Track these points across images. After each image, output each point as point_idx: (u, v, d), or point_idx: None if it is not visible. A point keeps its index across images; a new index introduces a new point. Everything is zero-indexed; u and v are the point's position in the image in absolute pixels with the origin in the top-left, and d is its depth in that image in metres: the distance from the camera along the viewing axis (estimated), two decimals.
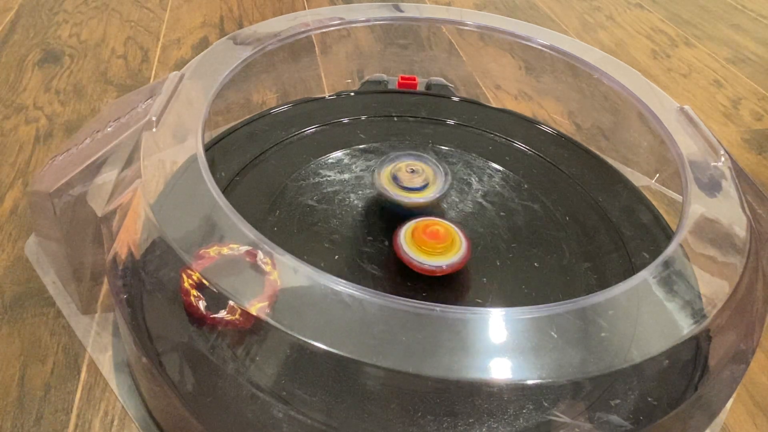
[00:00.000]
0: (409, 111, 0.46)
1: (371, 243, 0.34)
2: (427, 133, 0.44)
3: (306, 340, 0.22)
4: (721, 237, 0.28)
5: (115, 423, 0.30)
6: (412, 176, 0.35)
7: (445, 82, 0.50)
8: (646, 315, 0.24)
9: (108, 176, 0.31)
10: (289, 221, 0.35)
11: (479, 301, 0.32)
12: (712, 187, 0.31)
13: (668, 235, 0.37)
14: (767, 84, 0.65)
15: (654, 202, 0.40)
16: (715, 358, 0.27)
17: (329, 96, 0.48)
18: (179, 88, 0.34)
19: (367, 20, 0.45)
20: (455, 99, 0.48)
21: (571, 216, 0.38)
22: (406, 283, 0.31)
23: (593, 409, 0.26)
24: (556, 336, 0.23)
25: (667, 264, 0.26)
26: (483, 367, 0.22)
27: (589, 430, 0.26)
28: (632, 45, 0.71)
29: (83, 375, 0.32)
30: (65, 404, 0.30)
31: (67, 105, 0.53)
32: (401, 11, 0.46)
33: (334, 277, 0.23)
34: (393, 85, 0.50)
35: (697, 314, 0.24)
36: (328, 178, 0.39)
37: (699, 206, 0.29)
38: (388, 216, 0.36)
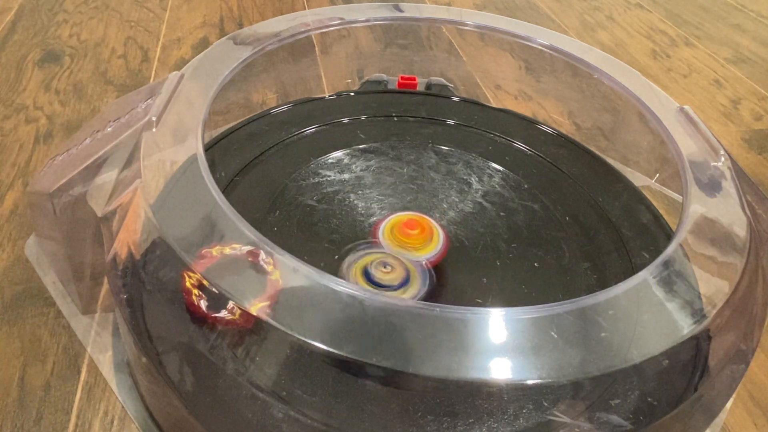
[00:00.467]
0: (409, 111, 0.46)
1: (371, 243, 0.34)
2: (427, 133, 0.44)
3: (306, 340, 0.22)
4: (721, 237, 0.28)
5: (115, 423, 0.30)
6: (386, 272, 0.30)
7: (445, 82, 0.50)
8: (646, 315, 0.24)
9: (108, 176, 0.31)
10: (289, 221, 0.35)
11: (479, 301, 0.32)
12: (712, 187, 0.31)
13: (668, 235, 0.37)
14: (767, 84, 0.65)
15: (654, 202, 0.40)
16: (715, 358, 0.27)
17: (329, 96, 0.48)
18: (179, 88, 0.34)
19: (367, 20, 0.45)
20: (455, 99, 0.48)
21: (571, 216, 0.38)
22: None
23: (593, 409, 0.26)
24: (556, 336, 0.23)
25: (667, 264, 0.26)
26: (483, 367, 0.22)
27: (589, 430, 0.26)
28: (632, 45, 0.71)
29: (83, 375, 0.32)
30: (65, 404, 0.30)
31: (67, 105, 0.53)
32: (401, 11, 0.46)
33: (334, 277, 0.23)
34: (393, 85, 0.50)
35: (697, 314, 0.24)
36: (328, 178, 0.39)
37: (699, 206, 0.29)
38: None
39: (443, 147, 0.43)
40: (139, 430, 0.29)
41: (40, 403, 0.30)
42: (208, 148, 0.40)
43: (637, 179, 0.44)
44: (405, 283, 0.30)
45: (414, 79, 0.50)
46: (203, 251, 0.24)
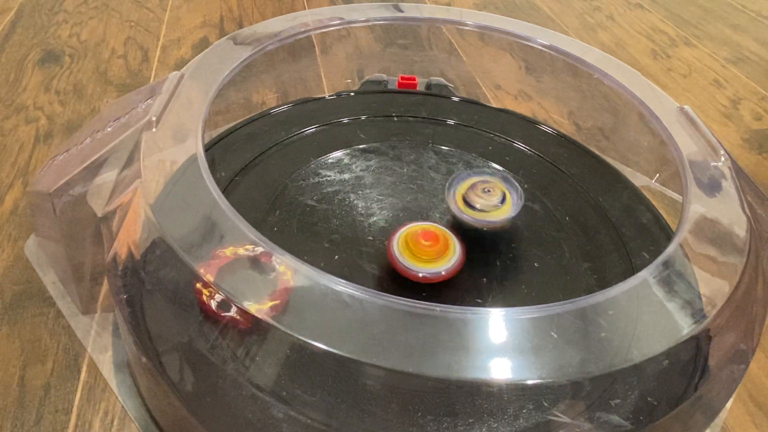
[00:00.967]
0: (409, 111, 0.46)
1: (371, 243, 0.34)
2: (427, 133, 0.44)
3: (306, 340, 0.22)
4: (721, 237, 0.28)
5: (115, 423, 0.30)
6: (486, 196, 0.34)
7: (445, 82, 0.50)
8: (646, 315, 0.24)
9: (108, 176, 0.31)
10: (289, 221, 0.35)
11: (479, 301, 0.32)
12: (712, 187, 0.31)
13: (668, 235, 0.37)
14: (767, 84, 0.65)
15: (654, 202, 0.40)
16: (715, 358, 0.27)
17: (329, 96, 0.48)
18: (179, 88, 0.34)
19: (367, 20, 0.45)
20: (455, 99, 0.48)
21: (571, 216, 0.38)
22: (406, 283, 0.31)
23: (593, 409, 0.26)
24: (556, 336, 0.23)
25: (667, 264, 0.26)
26: (483, 367, 0.22)
27: (589, 430, 0.26)
28: (632, 45, 0.71)
29: (83, 375, 0.32)
30: (65, 404, 0.30)
31: (67, 105, 0.53)
32: (401, 11, 0.46)
33: (334, 277, 0.23)
34: (393, 85, 0.50)
35: (697, 314, 0.24)
36: (328, 178, 0.39)
37: (699, 206, 0.29)
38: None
39: (443, 147, 0.43)
40: (139, 430, 0.29)
41: (40, 403, 0.30)
42: (208, 148, 0.40)
43: (637, 179, 0.44)
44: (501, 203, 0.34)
45: (414, 79, 0.50)
46: (219, 251, 0.24)
